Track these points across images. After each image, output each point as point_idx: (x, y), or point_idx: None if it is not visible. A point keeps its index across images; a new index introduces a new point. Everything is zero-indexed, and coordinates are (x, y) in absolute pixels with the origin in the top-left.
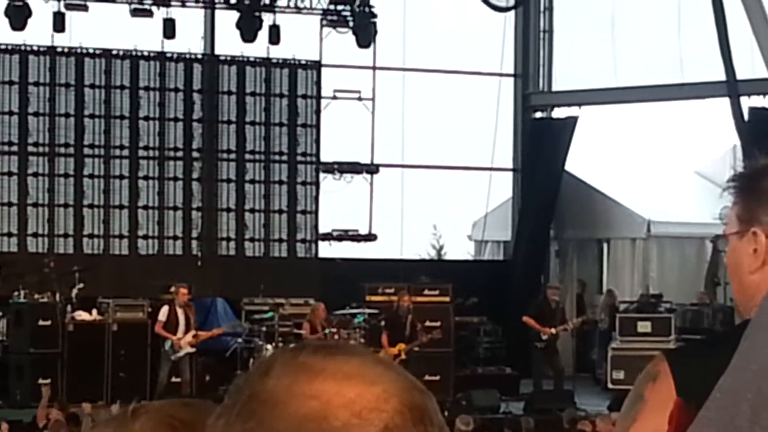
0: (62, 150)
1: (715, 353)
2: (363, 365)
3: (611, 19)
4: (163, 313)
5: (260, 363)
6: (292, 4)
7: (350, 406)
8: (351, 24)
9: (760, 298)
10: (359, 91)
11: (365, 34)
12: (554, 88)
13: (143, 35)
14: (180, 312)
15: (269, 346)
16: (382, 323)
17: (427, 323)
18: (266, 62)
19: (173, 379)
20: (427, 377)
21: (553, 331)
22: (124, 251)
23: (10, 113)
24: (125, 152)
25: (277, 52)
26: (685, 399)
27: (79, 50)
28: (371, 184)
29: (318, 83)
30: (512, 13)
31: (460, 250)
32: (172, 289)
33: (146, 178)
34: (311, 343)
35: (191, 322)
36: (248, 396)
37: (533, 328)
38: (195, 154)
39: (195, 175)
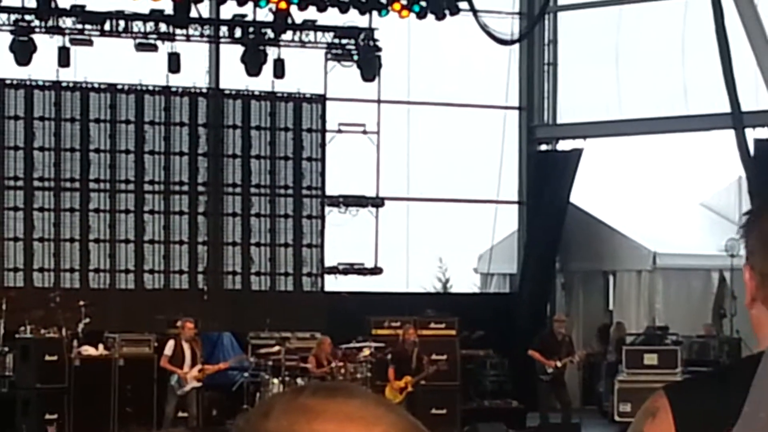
0: (68, 184)
1: (716, 389)
2: (364, 406)
3: (615, 52)
4: (170, 347)
5: (260, 405)
6: (296, 38)
7: None
8: (355, 57)
9: (759, 333)
10: (364, 125)
11: (370, 68)
12: (559, 121)
13: (148, 70)
14: (186, 346)
15: (275, 380)
16: (389, 357)
17: (433, 356)
18: (271, 96)
19: (180, 414)
20: (433, 411)
21: (558, 363)
22: (130, 285)
23: (16, 148)
24: (131, 186)
25: (282, 86)
26: None
27: (84, 85)
28: (376, 217)
29: (323, 117)
30: (517, 46)
31: (466, 283)
32: (179, 323)
33: (152, 212)
34: (312, 385)
35: (197, 357)
36: None
37: (538, 361)
38: (200, 188)
39: (200, 209)
